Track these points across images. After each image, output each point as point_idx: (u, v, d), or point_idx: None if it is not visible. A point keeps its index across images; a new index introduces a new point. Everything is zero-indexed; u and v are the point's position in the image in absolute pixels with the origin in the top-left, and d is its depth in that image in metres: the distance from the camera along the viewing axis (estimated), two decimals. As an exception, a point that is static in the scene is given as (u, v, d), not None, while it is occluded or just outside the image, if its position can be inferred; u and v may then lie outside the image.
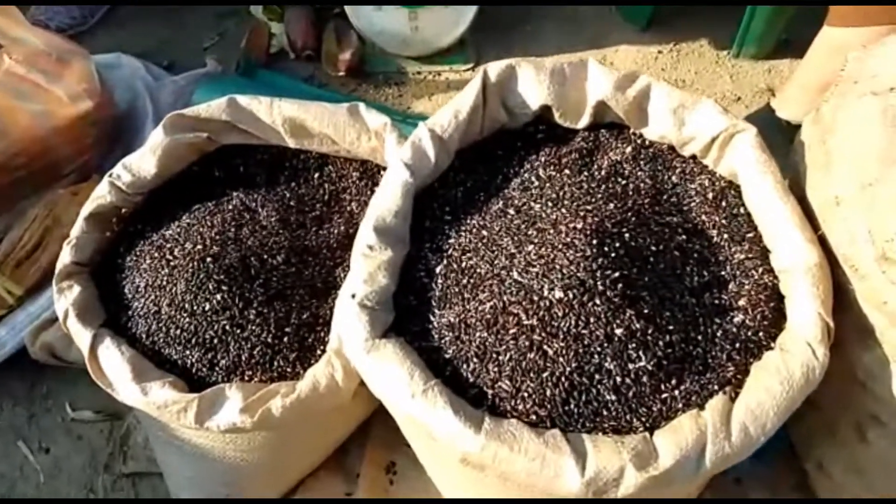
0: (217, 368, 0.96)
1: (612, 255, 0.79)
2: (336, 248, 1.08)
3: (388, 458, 1.20)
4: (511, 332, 0.77)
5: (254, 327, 0.97)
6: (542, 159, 0.95)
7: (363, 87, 1.77)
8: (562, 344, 0.75)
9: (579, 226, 0.81)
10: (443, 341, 0.80)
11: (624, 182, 0.92)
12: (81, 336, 0.97)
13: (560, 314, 0.76)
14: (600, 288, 0.76)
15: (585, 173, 0.93)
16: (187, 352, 0.96)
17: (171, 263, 1.00)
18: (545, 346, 0.75)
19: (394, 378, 0.75)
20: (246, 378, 0.96)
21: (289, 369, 0.97)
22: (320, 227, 1.11)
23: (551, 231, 0.82)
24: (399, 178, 0.88)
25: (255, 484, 1.08)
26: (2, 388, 1.26)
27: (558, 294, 0.76)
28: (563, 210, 0.85)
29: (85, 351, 0.97)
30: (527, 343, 0.76)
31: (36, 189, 1.39)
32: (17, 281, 1.27)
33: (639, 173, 0.94)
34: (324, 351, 0.98)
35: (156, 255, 1.03)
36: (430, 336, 0.81)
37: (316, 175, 1.17)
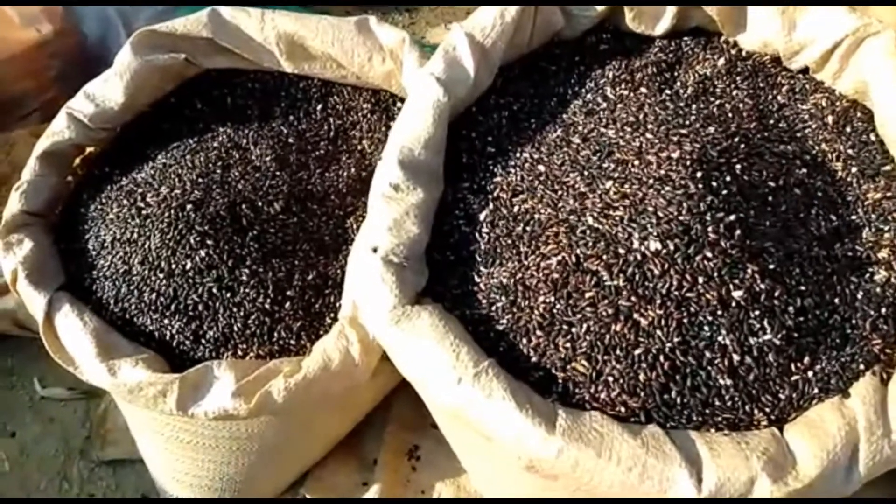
0: (203, 341, 0.78)
1: (723, 191, 0.59)
2: (346, 193, 0.89)
3: (411, 441, 1.03)
4: (588, 295, 0.58)
5: (247, 290, 0.78)
6: (610, 75, 0.75)
7: (368, 14, 1.53)
8: (659, 312, 0.56)
9: (675, 154, 0.61)
10: (493, 308, 0.61)
11: (718, 102, 0.72)
12: (34, 301, 0.79)
13: (657, 272, 0.56)
14: (711, 236, 0.56)
15: (667, 91, 0.73)
16: (165, 321, 0.78)
17: (144, 212, 0.81)
18: (636, 315, 0.56)
19: (432, 357, 0.56)
20: (239, 353, 0.78)
21: (292, 342, 0.79)
22: (326, 169, 0.91)
23: (636, 163, 0.62)
24: (430, 98, 0.68)
25: (254, 475, 0.91)
26: (-42, 363, 1.08)
27: (654, 245, 0.57)
28: (649, 135, 0.65)
29: (39, 319, 0.79)
30: (610, 311, 0.57)
31: None
32: (-29, 237, 1.06)
33: (734, 92, 0.74)
34: (334, 319, 0.80)
35: (125, 202, 0.84)
36: (475, 301, 0.62)
37: (319, 107, 0.97)
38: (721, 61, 0.76)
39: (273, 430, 0.82)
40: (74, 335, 0.76)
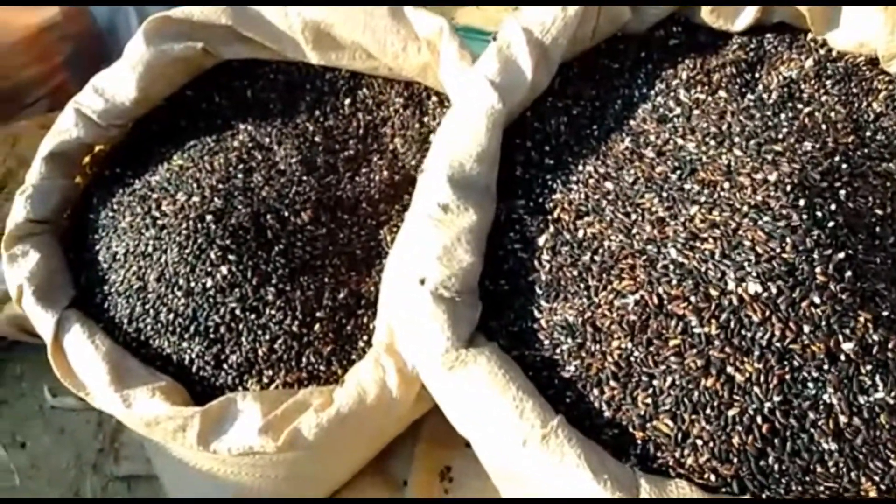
0: (225, 367, 0.71)
1: (829, 223, 0.51)
2: (378, 200, 0.81)
3: (443, 460, 0.97)
4: (673, 343, 0.50)
5: (273, 311, 0.71)
6: (684, 76, 0.66)
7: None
8: (758, 366, 0.48)
9: (772, 177, 0.53)
10: (558, 351, 0.53)
11: (807, 110, 0.63)
12: (41, 320, 0.73)
13: (756, 319, 0.48)
14: (819, 278, 0.48)
15: (750, 97, 0.64)
16: (184, 344, 0.71)
17: (159, 222, 0.74)
18: (730, 369, 0.48)
19: (492, 413, 0.49)
20: (265, 380, 0.71)
21: (322, 367, 0.72)
22: (356, 172, 0.83)
23: (725, 185, 0.54)
24: (483, 105, 0.60)
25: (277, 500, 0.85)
26: (-36, 369, 1.02)
27: (753, 287, 0.49)
28: (738, 151, 0.56)
29: (47, 340, 0.72)
30: (700, 362, 0.49)
31: None
32: (-25, 236, 1.00)
33: (824, 98, 0.65)
34: (368, 342, 0.73)
35: (138, 209, 0.76)
36: (535, 341, 0.55)
37: (346, 101, 0.89)
38: (809, 62, 0.66)
39: (300, 460, 0.75)
40: (85, 359, 0.69)
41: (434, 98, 0.90)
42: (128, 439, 1.00)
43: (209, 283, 0.70)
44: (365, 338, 0.73)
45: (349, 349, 0.73)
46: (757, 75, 0.67)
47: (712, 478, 0.48)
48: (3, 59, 1.09)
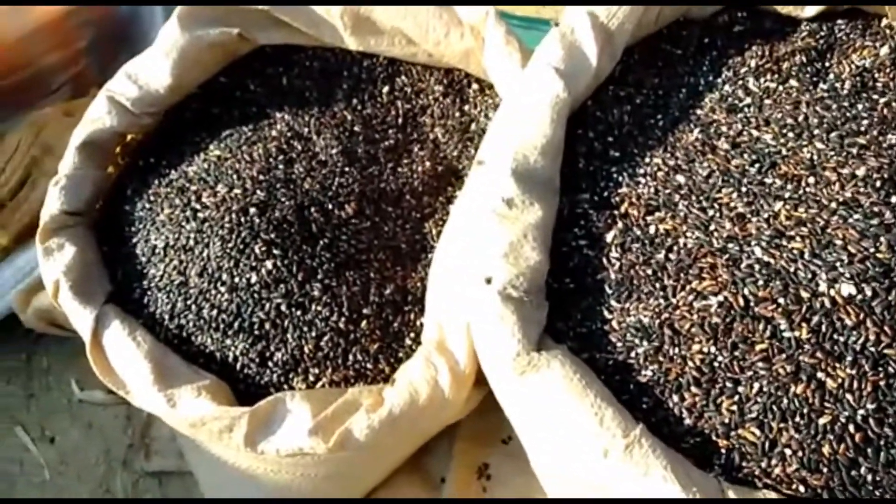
0: (270, 364, 0.69)
1: (925, 221, 0.48)
2: (422, 192, 0.79)
3: (481, 458, 0.95)
4: (760, 348, 0.47)
5: (319, 307, 0.69)
6: (752, 63, 0.63)
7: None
8: (851, 372, 0.46)
9: (860, 172, 0.50)
10: (633, 355, 0.51)
11: (884, 101, 0.60)
12: (79, 316, 0.70)
13: (849, 323, 0.46)
14: (918, 280, 0.46)
15: (822, 86, 0.61)
16: (228, 341, 0.69)
17: (200, 215, 0.71)
18: (822, 375, 0.46)
19: (569, 421, 0.46)
20: (310, 378, 0.69)
21: (368, 365, 0.70)
22: (398, 163, 0.80)
23: (810, 180, 0.51)
24: (548, 94, 0.57)
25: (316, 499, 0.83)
26: (-9, 361, 1.00)
27: (846, 289, 0.46)
28: (819, 144, 0.54)
29: (86, 337, 0.70)
30: (789, 368, 0.46)
31: (16, 108, 1.10)
32: (1, 226, 0.98)
33: (900, 88, 0.61)
34: (415, 340, 0.71)
35: (177, 201, 0.74)
36: (607, 344, 0.52)
37: (385, 89, 0.86)
38: (884, 50, 0.63)
39: (345, 459, 0.73)
40: (127, 357, 0.67)
41: (475, 86, 0.87)
42: (158, 434, 0.98)
43: (254, 278, 0.68)
44: (412, 335, 0.71)
45: (396, 347, 0.71)
46: (827, 64, 0.64)
47: (801, 488, 0.46)
48: (25, 46, 1.06)
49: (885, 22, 0.66)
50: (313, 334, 0.68)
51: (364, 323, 0.70)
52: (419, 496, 0.93)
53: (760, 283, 0.48)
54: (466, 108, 0.86)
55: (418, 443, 0.83)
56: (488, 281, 0.52)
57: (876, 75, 0.63)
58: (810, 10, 0.65)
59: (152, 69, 0.80)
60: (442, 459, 0.94)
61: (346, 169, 0.77)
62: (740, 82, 0.62)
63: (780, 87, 0.61)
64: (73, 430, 1.01)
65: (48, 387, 1.04)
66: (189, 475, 0.95)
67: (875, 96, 0.61)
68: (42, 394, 1.03)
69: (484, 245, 0.54)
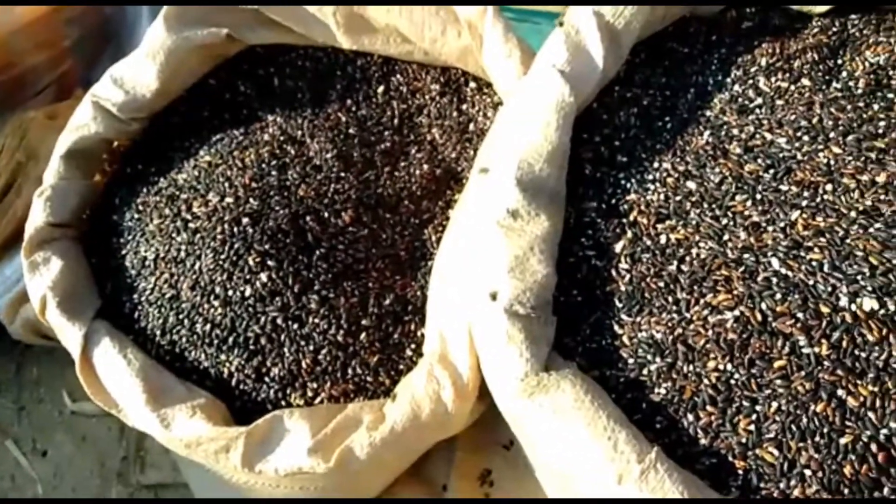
0: (267, 380, 0.67)
1: (948, 231, 0.46)
2: (420, 197, 0.76)
3: (482, 464, 0.93)
4: (778, 365, 0.45)
5: (316, 320, 0.66)
6: (762, 62, 0.61)
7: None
8: (873, 389, 0.44)
9: (880, 178, 0.48)
10: (645, 372, 0.49)
11: (898, 100, 0.58)
12: (67, 333, 0.68)
13: (871, 339, 0.44)
14: (943, 293, 0.44)
15: (836, 85, 0.59)
16: (222, 356, 0.67)
17: (191, 226, 0.69)
18: (842, 393, 0.44)
19: (581, 445, 0.44)
20: (309, 393, 0.67)
21: (369, 378, 0.68)
22: (395, 166, 0.78)
23: (828, 186, 0.49)
24: (553, 98, 0.54)
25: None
26: (-20, 373, 0.98)
27: (868, 303, 0.44)
28: (836, 148, 0.51)
29: (74, 354, 0.68)
30: (809, 386, 0.45)
31: (1, 110, 1.05)
32: (-14, 235, 0.96)
33: (914, 86, 0.59)
34: (416, 351, 0.69)
35: (167, 211, 0.71)
36: (618, 360, 0.50)
37: (380, 89, 0.83)
38: (898, 46, 0.61)
39: (347, 478, 0.71)
40: (118, 375, 0.65)
41: (472, 84, 0.84)
42: (152, 446, 0.96)
43: (248, 291, 0.66)
44: (413, 346, 0.69)
45: (397, 359, 0.68)
46: (839, 62, 0.61)
47: (824, 512, 0.44)
48: (9, 45, 1.03)
49: (898, 16, 0.63)
50: (311, 348, 0.66)
51: (363, 335, 0.67)
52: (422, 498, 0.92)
53: (778, 296, 0.46)
54: (464, 107, 0.83)
55: (419, 455, 0.81)
56: (493, 297, 0.50)
57: (891, 73, 0.60)
58: (822, 7, 0.63)
59: (138, 73, 0.77)
60: (443, 466, 0.92)
61: (342, 174, 0.74)
62: (750, 81, 0.60)
63: (792, 87, 0.59)
64: (66, 443, 0.98)
65: (39, 399, 1.02)
66: (184, 487, 0.93)
67: (891, 95, 0.59)
68: (33, 406, 1.01)
69: (488, 258, 0.51)
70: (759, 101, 0.59)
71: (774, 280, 0.47)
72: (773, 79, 0.60)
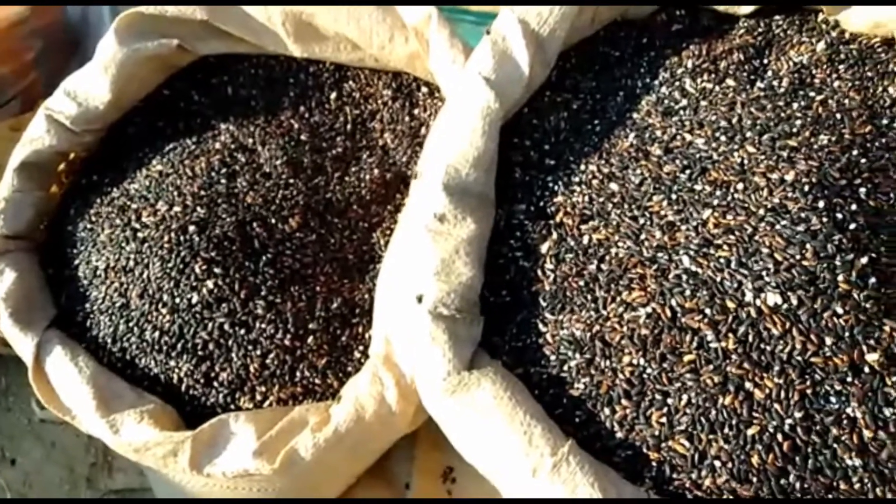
0: (216, 385, 0.68)
1: (850, 225, 0.48)
2: (370, 201, 0.78)
3: (444, 462, 0.94)
4: (688, 359, 0.47)
5: (263, 325, 0.68)
6: (689, 63, 0.62)
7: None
8: (778, 381, 0.45)
9: (788, 176, 0.50)
10: (566, 368, 0.50)
11: (820, 98, 0.59)
12: (21, 344, 0.69)
13: (776, 332, 0.46)
14: (842, 287, 0.46)
15: (759, 85, 0.60)
16: (172, 362, 0.68)
17: (140, 235, 0.70)
18: (749, 385, 0.46)
19: (499, 441, 0.46)
20: (258, 397, 0.68)
21: (317, 381, 0.69)
22: (345, 171, 0.79)
23: (739, 185, 0.51)
24: (478, 105, 0.56)
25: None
26: (-52, 382, 0.99)
27: (772, 298, 0.46)
28: (750, 147, 0.53)
29: (28, 363, 0.69)
30: (717, 379, 0.46)
31: None
32: (-49, 247, 0.96)
33: (836, 83, 0.61)
34: (363, 353, 0.70)
35: (118, 221, 0.73)
36: (541, 357, 0.52)
37: (332, 95, 0.85)
38: (821, 45, 0.63)
39: (298, 479, 0.73)
40: (69, 383, 0.66)
41: (424, 89, 0.85)
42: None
43: (195, 298, 0.67)
44: (361, 348, 0.70)
45: (345, 361, 0.70)
46: (765, 61, 0.63)
47: (731, 498, 0.46)
48: (-30, 59, 1.04)
49: (821, 17, 0.65)
50: (258, 353, 0.68)
51: (310, 338, 0.69)
52: (386, 498, 0.93)
53: (688, 293, 0.48)
54: (416, 111, 0.85)
55: (375, 456, 0.82)
56: (419, 299, 0.51)
57: (813, 71, 0.62)
58: (747, 7, 0.64)
59: (91, 85, 0.78)
60: (405, 464, 0.93)
61: (291, 181, 0.76)
62: (677, 83, 0.62)
63: (717, 88, 0.61)
64: (35, 450, 1.00)
65: (7, 408, 1.03)
66: (152, 491, 0.94)
67: (811, 93, 0.60)
68: (1, 415, 1.02)
69: (416, 262, 0.53)
70: (684, 102, 0.60)
71: (684, 277, 0.48)
72: (698, 80, 0.61)
